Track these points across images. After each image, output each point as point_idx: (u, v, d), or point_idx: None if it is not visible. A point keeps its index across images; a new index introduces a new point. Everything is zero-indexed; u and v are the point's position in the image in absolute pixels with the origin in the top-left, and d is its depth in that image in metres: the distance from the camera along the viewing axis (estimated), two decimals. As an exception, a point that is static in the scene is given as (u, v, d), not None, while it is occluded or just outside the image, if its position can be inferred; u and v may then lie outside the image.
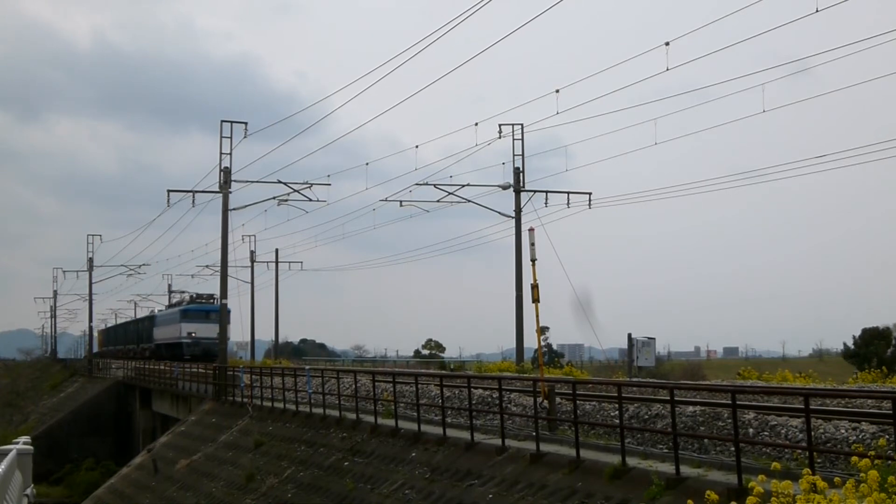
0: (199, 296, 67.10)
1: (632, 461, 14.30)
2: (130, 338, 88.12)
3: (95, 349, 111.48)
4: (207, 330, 59.95)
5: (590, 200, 40.87)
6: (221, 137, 40.03)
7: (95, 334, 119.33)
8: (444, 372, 40.52)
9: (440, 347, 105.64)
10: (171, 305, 76.00)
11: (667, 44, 25.85)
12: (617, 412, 15.91)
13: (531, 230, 20.76)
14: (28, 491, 23.04)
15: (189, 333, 62.32)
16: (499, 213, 41.97)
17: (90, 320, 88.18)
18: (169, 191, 42.44)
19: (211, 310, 61.48)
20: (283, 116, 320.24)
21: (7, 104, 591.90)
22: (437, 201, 42.02)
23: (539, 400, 18.28)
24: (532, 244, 20.33)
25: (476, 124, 38.12)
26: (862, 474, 8.94)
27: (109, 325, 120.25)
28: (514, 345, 40.81)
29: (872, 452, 10.21)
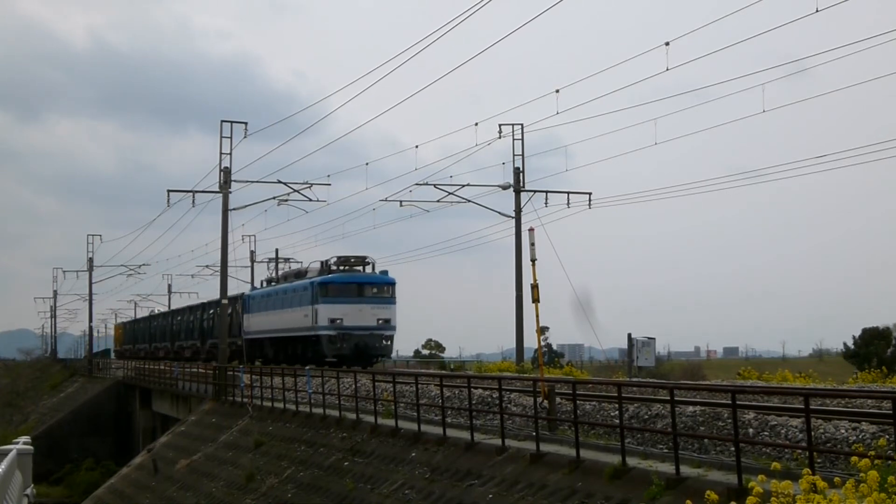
0: (345, 259, 42.80)
1: (632, 461, 14.30)
2: (181, 332, 67.97)
3: (106, 349, 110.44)
4: (363, 315, 40.12)
5: (590, 200, 40.91)
6: (221, 137, 40.03)
7: (110, 331, 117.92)
8: (444, 372, 40.48)
9: (440, 347, 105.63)
10: (282, 278, 51.82)
11: (667, 44, 25.87)
12: (617, 412, 15.91)
13: (531, 230, 20.79)
14: (28, 491, 23.06)
15: (332, 320, 39.98)
16: (499, 213, 42.04)
17: (90, 320, 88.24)
18: (169, 191, 42.27)
19: (368, 281, 41.41)
20: (283, 115, 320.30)
21: (6, 104, 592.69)
22: (437, 201, 42.02)
23: (539, 400, 18.28)
24: (532, 244, 20.34)
25: (476, 124, 38.20)
26: (862, 474, 8.95)
27: (138, 316, 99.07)
28: (514, 345, 40.84)
29: (872, 452, 10.21)
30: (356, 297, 40.26)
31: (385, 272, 42.28)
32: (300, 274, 46.03)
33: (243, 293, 54.22)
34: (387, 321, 40.55)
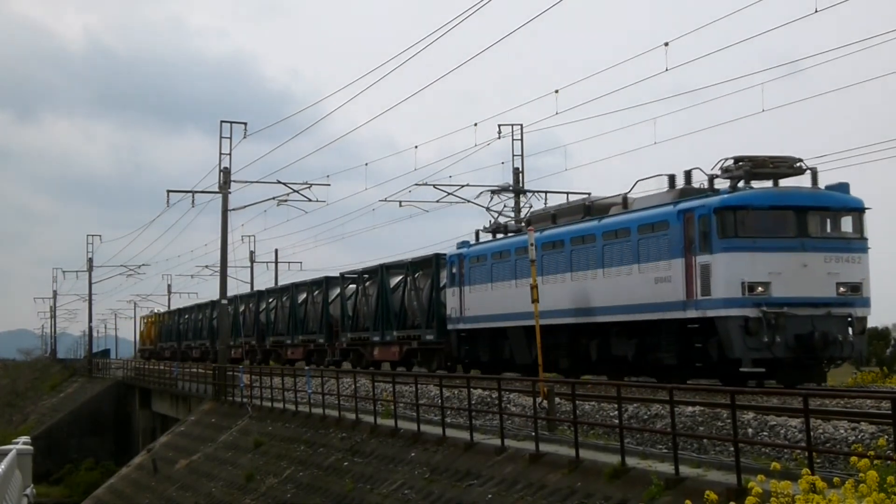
0: (758, 162, 21.37)
1: (631, 461, 14.30)
2: (275, 323, 49.20)
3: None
4: (810, 275, 20.41)
5: (590, 200, 40.62)
6: (221, 138, 40.06)
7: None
8: (443, 372, 40.44)
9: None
10: (535, 219, 28.96)
11: (666, 44, 25.85)
12: (616, 412, 15.92)
13: (531, 231, 20.80)
14: (28, 491, 23.12)
15: (751, 288, 20.09)
16: (498, 213, 41.98)
17: (90, 320, 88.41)
18: (169, 191, 42.36)
19: (816, 205, 20.91)
20: (280, 113, 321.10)
21: (4, 104, 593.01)
22: (437, 201, 41.96)
23: (538, 400, 18.29)
24: (532, 244, 20.35)
25: (475, 125, 38.13)
26: (861, 474, 8.97)
27: (185, 305, 77.05)
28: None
29: (872, 452, 10.22)
30: (794, 239, 20.62)
31: (843, 185, 21.57)
32: (592, 208, 25.53)
33: (445, 254, 32.67)
34: (854, 289, 21.08)
